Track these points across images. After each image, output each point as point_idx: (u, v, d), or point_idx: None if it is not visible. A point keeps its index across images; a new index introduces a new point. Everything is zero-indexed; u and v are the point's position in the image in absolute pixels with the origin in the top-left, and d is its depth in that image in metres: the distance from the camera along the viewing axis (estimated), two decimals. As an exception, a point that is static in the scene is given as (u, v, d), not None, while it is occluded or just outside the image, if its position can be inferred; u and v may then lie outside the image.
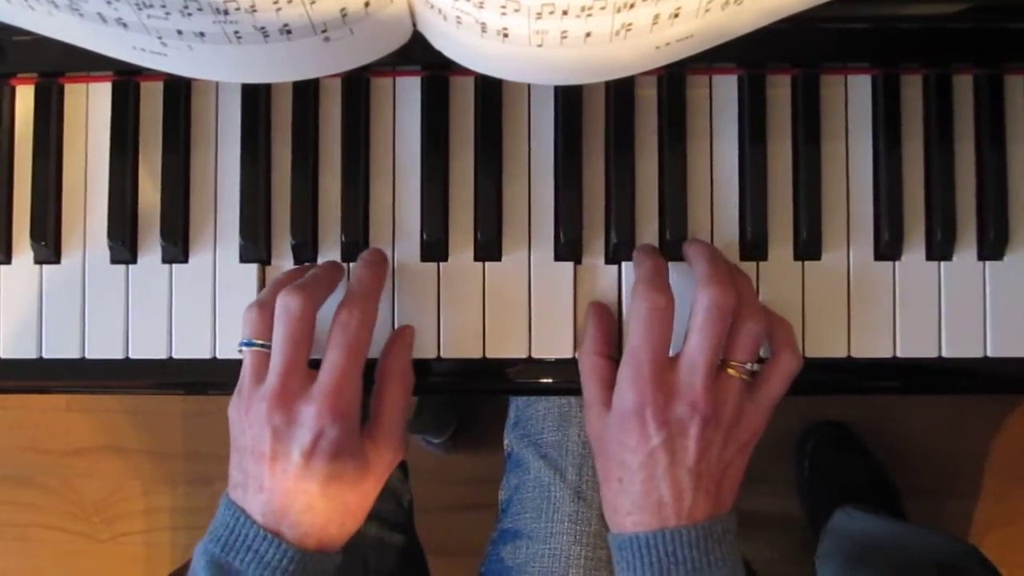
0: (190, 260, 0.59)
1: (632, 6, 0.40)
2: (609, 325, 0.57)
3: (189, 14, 0.41)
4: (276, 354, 0.51)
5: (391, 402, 0.55)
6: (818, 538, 1.13)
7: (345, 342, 0.52)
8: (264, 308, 0.53)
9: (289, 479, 0.51)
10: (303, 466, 0.51)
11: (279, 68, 0.47)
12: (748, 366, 0.52)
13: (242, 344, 0.53)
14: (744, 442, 0.53)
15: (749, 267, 0.58)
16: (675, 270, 0.56)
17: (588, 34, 0.42)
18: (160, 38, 0.44)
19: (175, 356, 0.58)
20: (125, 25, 0.43)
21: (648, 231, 0.58)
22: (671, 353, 0.52)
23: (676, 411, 0.51)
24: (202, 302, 0.58)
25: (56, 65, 0.58)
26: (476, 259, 0.58)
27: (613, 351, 0.56)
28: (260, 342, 0.53)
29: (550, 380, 0.59)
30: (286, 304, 0.51)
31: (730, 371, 0.52)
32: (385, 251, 0.58)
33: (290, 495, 0.51)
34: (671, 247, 0.57)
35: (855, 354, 0.57)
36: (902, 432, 1.32)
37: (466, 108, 0.58)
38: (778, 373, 0.54)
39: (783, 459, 1.32)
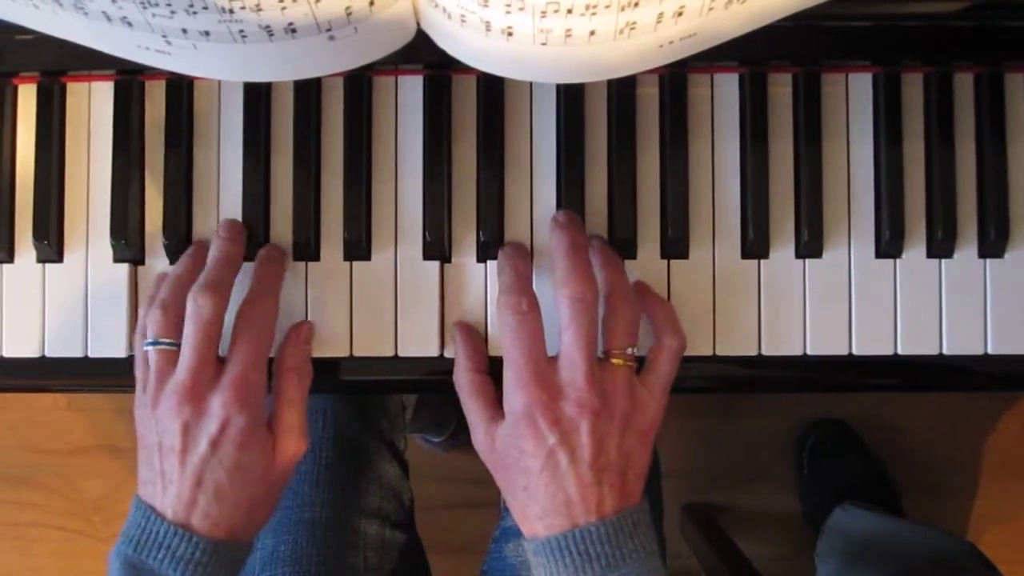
0: (193, 259, 0.59)
1: (636, 5, 0.40)
2: (477, 341, 0.57)
3: (194, 13, 0.41)
4: (187, 351, 0.52)
5: (290, 395, 0.56)
6: (817, 536, 1.14)
7: (249, 336, 0.53)
8: (168, 309, 0.53)
9: (197, 469, 0.52)
10: (210, 454, 0.52)
11: (283, 67, 0.47)
12: (629, 351, 0.53)
13: (148, 345, 0.54)
14: (643, 430, 0.53)
15: (750, 265, 0.58)
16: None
17: (592, 32, 0.42)
18: (165, 37, 0.44)
19: (178, 355, 0.58)
20: (130, 24, 0.43)
21: (650, 229, 0.58)
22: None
23: (564, 409, 0.51)
24: (205, 301, 0.58)
25: (58, 64, 0.58)
26: (478, 259, 0.58)
27: (486, 366, 0.57)
28: (167, 341, 0.53)
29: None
30: (199, 306, 0.52)
31: (614, 360, 0.52)
32: (388, 250, 0.58)
33: (199, 485, 0.52)
34: (672, 244, 0.57)
35: (856, 351, 0.57)
36: (901, 430, 1.33)
37: (468, 106, 0.58)
38: (663, 355, 0.54)
39: (783, 457, 1.32)
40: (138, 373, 0.55)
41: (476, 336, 0.57)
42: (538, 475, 0.51)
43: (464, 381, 0.56)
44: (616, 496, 0.51)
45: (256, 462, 0.53)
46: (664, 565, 0.52)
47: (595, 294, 0.52)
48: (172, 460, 0.52)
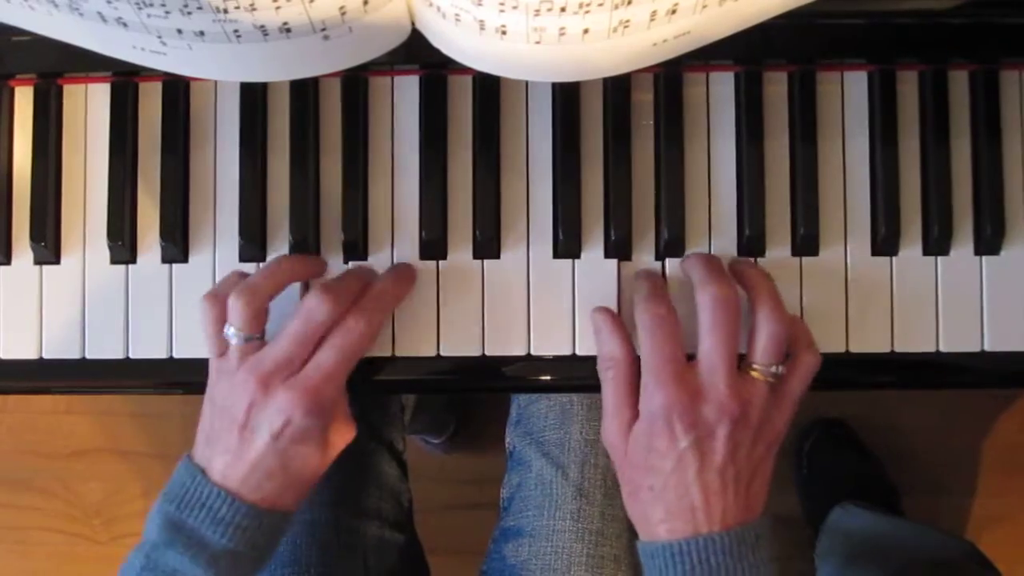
0: (190, 260, 0.59)
1: (629, 3, 0.40)
2: (622, 324, 0.56)
3: (189, 13, 0.42)
4: (284, 343, 0.52)
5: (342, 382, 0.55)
6: (817, 536, 1.14)
7: (342, 345, 0.53)
8: (258, 297, 0.53)
9: (254, 451, 0.52)
10: (270, 444, 0.52)
11: (278, 67, 0.47)
12: (773, 369, 0.52)
13: (233, 336, 0.53)
14: (771, 442, 0.53)
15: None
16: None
17: (586, 31, 0.42)
18: (160, 37, 0.44)
19: (175, 356, 0.59)
20: (125, 24, 0.43)
21: (646, 228, 0.58)
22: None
23: (703, 412, 0.50)
24: (202, 302, 0.58)
25: (55, 66, 0.58)
26: (475, 257, 0.58)
27: (636, 354, 0.55)
28: (252, 335, 0.53)
29: (549, 377, 0.59)
30: (315, 308, 0.52)
31: (754, 374, 0.52)
32: (385, 250, 0.58)
33: (253, 466, 0.53)
34: (668, 244, 0.57)
35: (853, 349, 0.58)
36: (900, 430, 1.33)
37: (464, 106, 0.58)
38: (799, 372, 0.54)
39: (781, 457, 1.31)
40: (214, 344, 0.54)
41: (619, 319, 0.56)
42: (667, 476, 0.51)
43: (605, 368, 0.54)
44: (740, 506, 0.51)
45: (312, 455, 0.54)
46: None
47: (738, 297, 0.52)
48: (234, 431, 0.53)
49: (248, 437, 0.52)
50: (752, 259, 0.58)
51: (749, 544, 0.50)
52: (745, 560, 0.50)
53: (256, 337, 0.54)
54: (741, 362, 0.52)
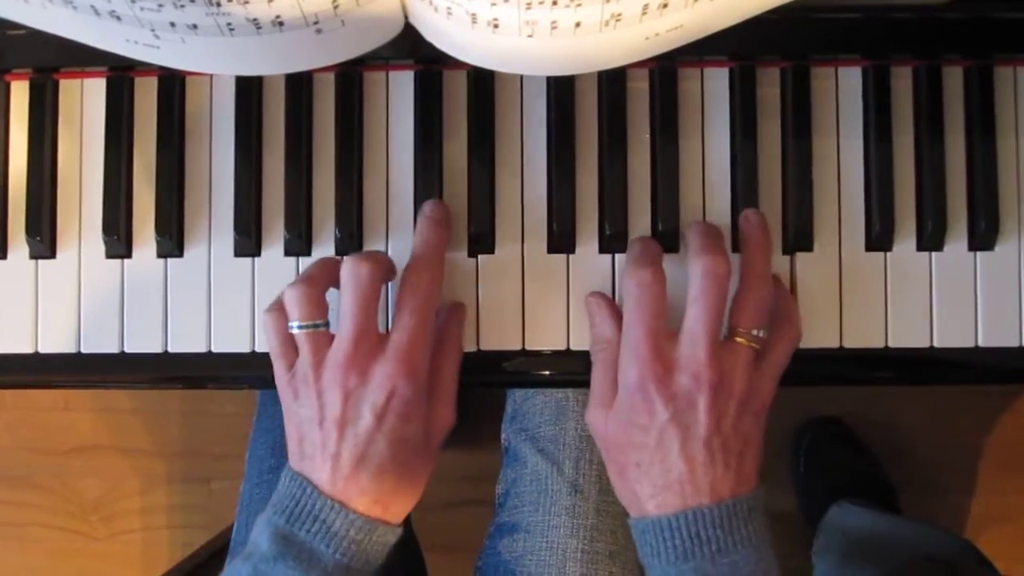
0: (185, 254, 0.59)
1: (621, -4, 0.41)
2: (616, 308, 0.56)
3: (182, 6, 0.42)
4: (347, 322, 0.51)
5: (449, 367, 0.55)
6: (814, 533, 1.14)
7: (415, 304, 0.52)
8: (313, 286, 0.52)
9: (361, 441, 0.51)
10: (375, 427, 0.51)
11: (272, 60, 0.48)
12: (755, 332, 0.52)
13: (298, 327, 0.52)
14: (757, 412, 0.52)
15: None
16: (672, 261, 0.56)
17: (578, 24, 0.43)
18: (153, 31, 0.44)
19: (171, 351, 0.59)
20: (118, 18, 0.44)
21: (641, 222, 0.58)
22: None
23: (681, 383, 0.50)
24: (197, 296, 0.59)
25: (50, 60, 0.58)
26: (470, 252, 0.58)
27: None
28: (313, 323, 0.52)
29: (545, 373, 0.59)
30: (356, 271, 0.51)
31: (738, 339, 0.52)
32: (379, 246, 0.58)
33: (362, 460, 0.51)
34: (664, 238, 0.57)
35: (847, 344, 0.58)
36: (898, 427, 1.33)
37: (459, 101, 0.59)
38: (781, 341, 0.54)
39: (779, 455, 1.32)
40: (280, 355, 0.53)
41: (611, 303, 0.56)
42: (652, 451, 0.50)
43: (596, 350, 0.55)
44: (731, 478, 0.50)
45: (417, 434, 0.52)
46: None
47: (729, 271, 0.51)
48: (333, 432, 0.51)
49: (351, 430, 0.51)
50: (760, 216, 0.57)
51: (742, 517, 0.50)
52: (738, 532, 0.49)
53: (322, 324, 0.52)
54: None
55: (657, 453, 0.50)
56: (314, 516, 0.51)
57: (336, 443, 0.51)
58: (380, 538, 0.52)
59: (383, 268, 0.53)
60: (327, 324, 0.53)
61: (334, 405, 0.51)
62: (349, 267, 0.52)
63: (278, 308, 0.54)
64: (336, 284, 0.53)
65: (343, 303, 0.52)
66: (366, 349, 0.51)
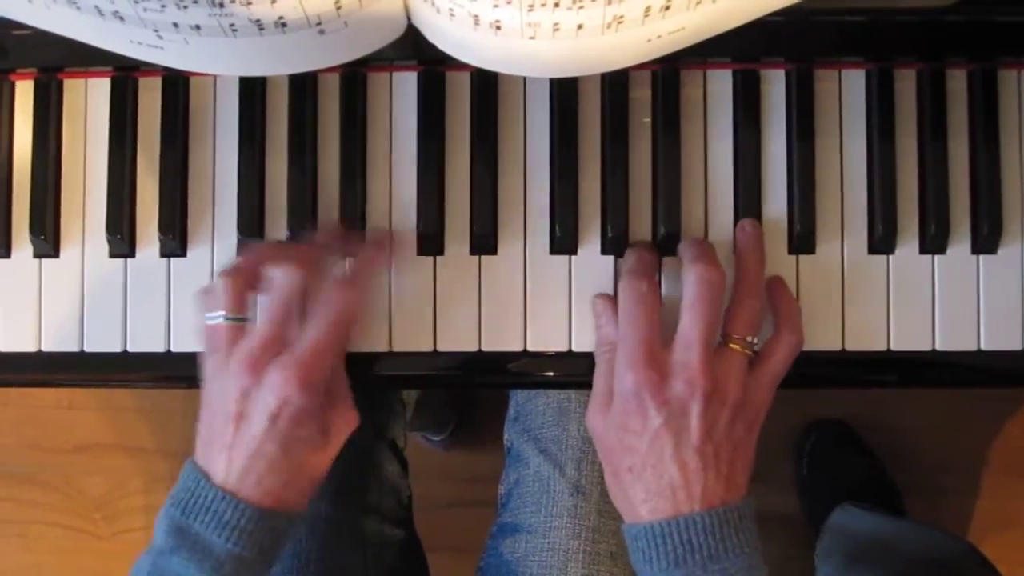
0: (188, 254, 0.59)
1: (623, -2, 0.41)
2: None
3: (185, 7, 0.42)
4: (264, 325, 0.52)
5: (340, 369, 0.55)
6: (817, 536, 1.14)
7: (329, 320, 0.52)
8: (238, 277, 0.53)
9: (254, 439, 0.51)
10: (268, 428, 0.51)
11: (275, 61, 0.48)
12: (749, 339, 0.52)
13: (220, 318, 0.53)
14: (751, 421, 0.52)
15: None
16: (672, 265, 0.56)
17: (580, 26, 0.43)
18: (156, 31, 0.44)
19: (173, 350, 0.59)
20: (122, 18, 0.44)
21: (643, 224, 0.58)
22: None
23: (674, 389, 0.50)
24: (200, 296, 0.59)
25: (55, 60, 0.59)
26: (472, 252, 0.58)
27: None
28: (237, 316, 0.53)
29: (547, 374, 0.59)
30: (281, 277, 0.52)
31: (732, 346, 0.52)
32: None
33: (253, 456, 0.51)
34: (665, 240, 0.57)
35: (849, 347, 0.58)
36: (902, 430, 1.32)
37: (462, 102, 0.59)
38: (780, 349, 0.54)
39: (782, 457, 1.32)
40: (208, 340, 0.54)
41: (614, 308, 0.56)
42: (644, 456, 0.51)
43: (602, 352, 0.55)
44: (722, 485, 0.51)
45: (313, 438, 0.53)
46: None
47: (723, 280, 0.52)
48: (229, 425, 0.52)
49: (245, 427, 0.51)
50: (756, 226, 0.57)
51: (733, 524, 0.50)
52: (729, 540, 0.50)
53: (240, 318, 0.53)
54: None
55: (650, 458, 0.51)
56: (207, 507, 0.51)
57: (231, 436, 0.52)
58: (273, 525, 0.52)
59: (311, 274, 0.53)
60: (244, 318, 0.53)
61: (231, 399, 0.52)
62: (275, 273, 0.52)
63: (207, 291, 0.55)
64: (263, 272, 0.54)
65: (268, 307, 0.53)
66: (271, 353, 0.51)
